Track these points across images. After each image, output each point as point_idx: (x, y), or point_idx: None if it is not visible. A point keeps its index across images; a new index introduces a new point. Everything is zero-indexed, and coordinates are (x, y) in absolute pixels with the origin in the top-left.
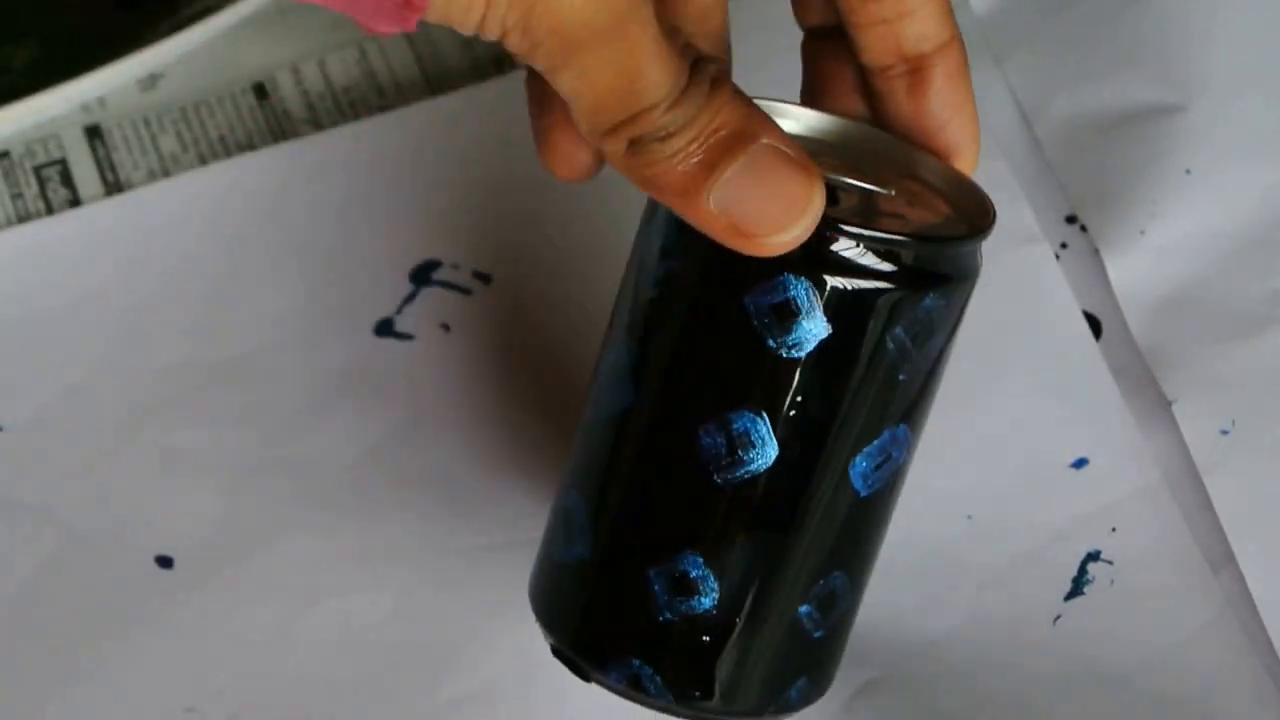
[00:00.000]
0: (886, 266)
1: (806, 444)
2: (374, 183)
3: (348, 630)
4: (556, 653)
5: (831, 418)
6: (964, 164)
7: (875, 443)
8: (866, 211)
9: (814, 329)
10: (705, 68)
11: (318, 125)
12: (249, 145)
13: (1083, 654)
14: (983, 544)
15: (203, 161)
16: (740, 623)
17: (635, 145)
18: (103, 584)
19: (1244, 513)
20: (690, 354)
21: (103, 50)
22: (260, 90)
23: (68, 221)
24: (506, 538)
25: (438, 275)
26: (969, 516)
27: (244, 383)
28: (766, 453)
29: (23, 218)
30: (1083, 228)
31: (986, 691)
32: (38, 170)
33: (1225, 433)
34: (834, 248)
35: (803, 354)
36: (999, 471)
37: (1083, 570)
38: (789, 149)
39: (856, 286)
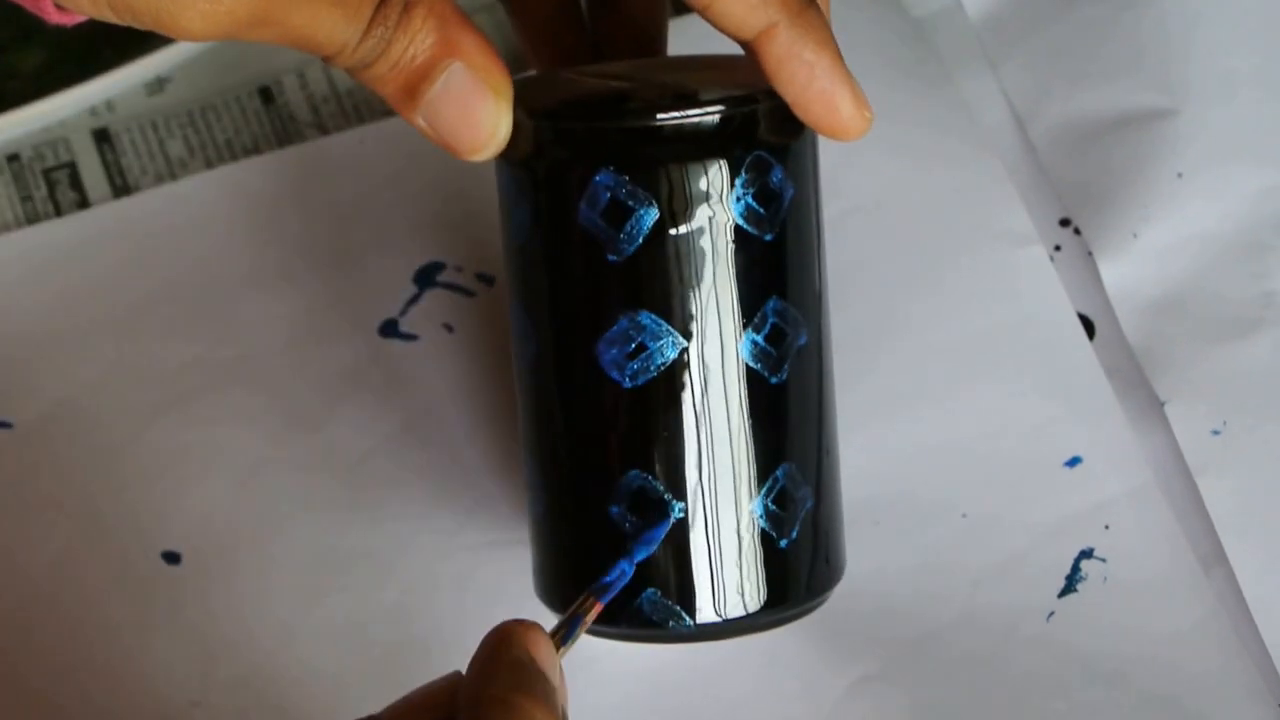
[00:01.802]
0: (699, 136)
1: (695, 329)
2: (378, 185)
3: (352, 626)
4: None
5: (702, 297)
6: (837, 124)
7: (756, 319)
8: (681, 103)
9: (646, 216)
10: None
11: (323, 129)
12: (255, 149)
13: (1076, 650)
14: (977, 541)
15: (209, 165)
16: (706, 529)
17: (353, 73)
18: (111, 580)
19: (1235, 512)
20: (559, 282)
21: (110, 54)
22: (266, 94)
23: (76, 223)
24: (509, 535)
25: (441, 277)
26: (963, 514)
27: (250, 382)
28: (661, 347)
29: (32, 220)
30: (1076, 230)
31: (980, 687)
32: (47, 173)
33: (1217, 433)
34: (641, 134)
35: (641, 244)
36: (993, 470)
37: (1076, 568)
38: (483, 70)
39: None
